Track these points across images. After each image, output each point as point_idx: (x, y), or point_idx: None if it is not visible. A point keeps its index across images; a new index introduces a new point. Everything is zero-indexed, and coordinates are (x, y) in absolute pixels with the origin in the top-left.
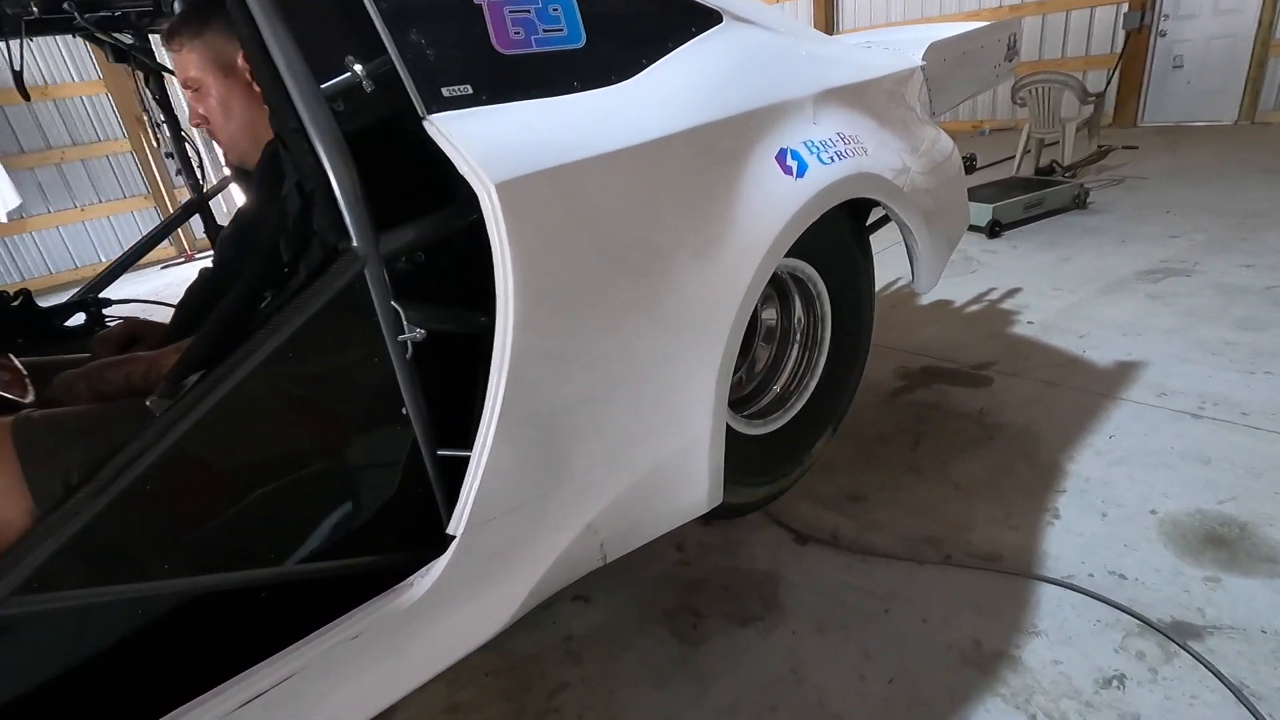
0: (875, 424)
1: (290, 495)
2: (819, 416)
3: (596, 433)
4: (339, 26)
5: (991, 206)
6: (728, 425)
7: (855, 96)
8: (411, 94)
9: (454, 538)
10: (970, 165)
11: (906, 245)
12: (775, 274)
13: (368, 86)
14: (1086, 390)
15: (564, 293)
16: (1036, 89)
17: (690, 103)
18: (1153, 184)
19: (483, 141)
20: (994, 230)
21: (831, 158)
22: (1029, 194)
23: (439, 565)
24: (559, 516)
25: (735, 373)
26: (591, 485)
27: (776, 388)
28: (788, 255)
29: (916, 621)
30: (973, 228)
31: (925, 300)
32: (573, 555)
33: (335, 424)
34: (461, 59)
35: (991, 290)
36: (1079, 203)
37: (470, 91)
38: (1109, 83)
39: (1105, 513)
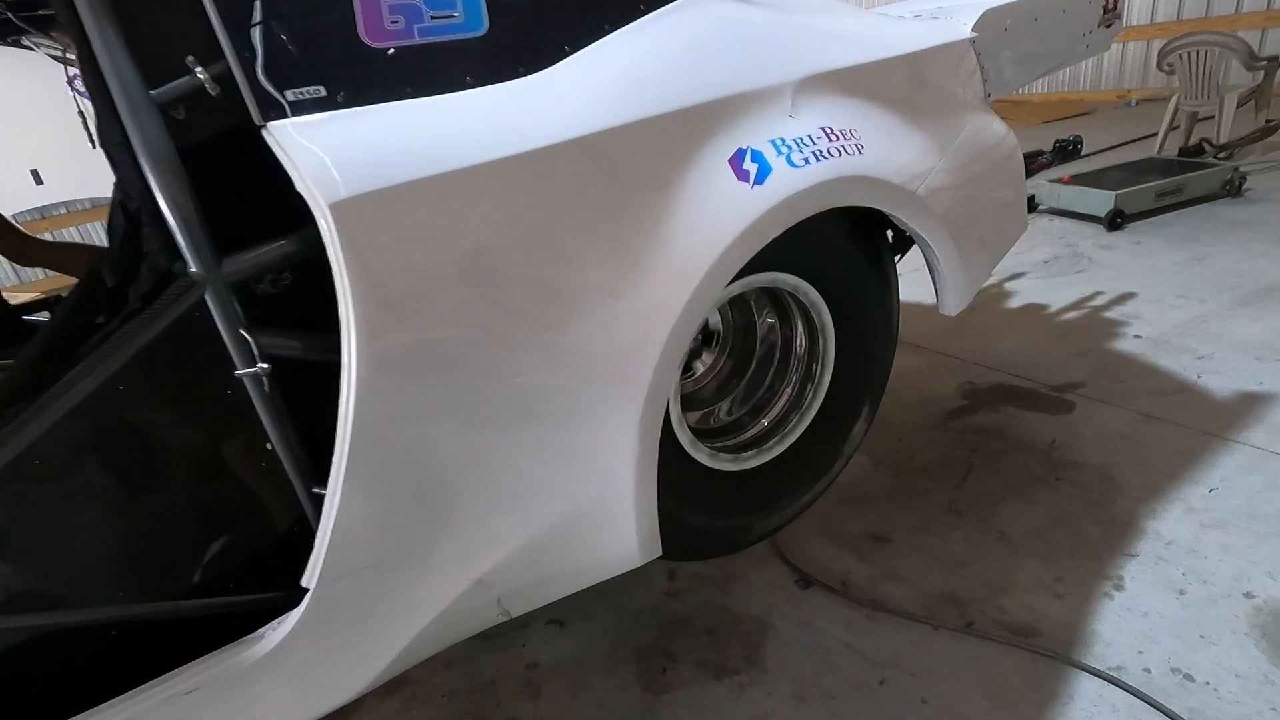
0: (921, 451)
1: (124, 533)
2: (823, 448)
3: (482, 482)
4: (175, 22)
5: (1114, 194)
6: (700, 463)
7: (859, 81)
8: (247, 98)
9: (308, 590)
10: (1070, 151)
11: (925, 258)
12: (773, 290)
13: (213, 90)
14: (1193, 428)
15: (424, 329)
16: (1189, 54)
17: (614, 98)
18: None
19: (325, 153)
20: (1115, 222)
21: (807, 159)
22: (1165, 179)
23: (292, 617)
24: (441, 571)
25: (727, 398)
26: (481, 538)
27: (765, 420)
28: (778, 269)
29: (915, 701)
30: (1090, 218)
31: (1012, 304)
32: (461, 611)
33: (179, 459)
34: (314, 55)
35: (1098, 295)
36: (1231, 190)
37: (323, 93)
38: None
39: (1184, 589)
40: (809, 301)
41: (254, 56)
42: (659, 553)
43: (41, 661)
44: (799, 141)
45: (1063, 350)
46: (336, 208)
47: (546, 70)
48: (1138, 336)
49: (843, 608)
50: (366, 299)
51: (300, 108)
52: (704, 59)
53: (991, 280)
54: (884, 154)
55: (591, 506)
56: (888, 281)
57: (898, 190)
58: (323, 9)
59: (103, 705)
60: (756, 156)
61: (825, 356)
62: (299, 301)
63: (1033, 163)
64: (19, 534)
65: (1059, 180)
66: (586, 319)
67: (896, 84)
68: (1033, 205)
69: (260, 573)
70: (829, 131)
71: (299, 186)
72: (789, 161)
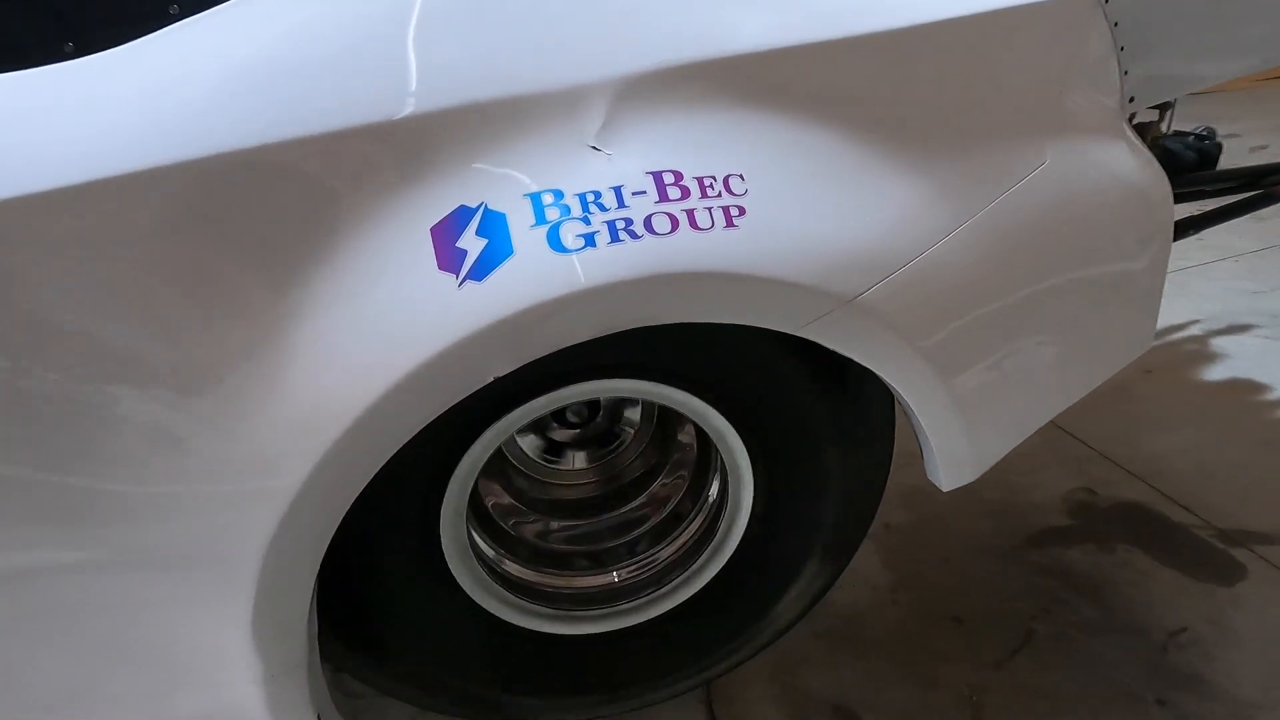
0: (969, 587)
1: None
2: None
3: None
4: None
5: None
6: (507, 621)
7: (777, 79)
8: None
9: None
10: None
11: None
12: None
13: None
14: None
15: None
16: None
17: (232, 100)
18: None
19: None
20: None
21: (593, 235)
22: None
23: None
24: None
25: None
26: None
27: (616, 575)
28: (646, 376)
29: None
30: None
31: (1208, 373)
32: None
33: None
34: None
35: None
36: None
37: None
38: None
39: None
40: (716, 436)
41: None
42: None
43: None
44: (589, 199)
45: (1262, 469)
46: None
47: (123, 47)
48: None
49: None
50: None
51: None
52: (439, 28)
53: (1184, 330)
54: (794, 223)
55: None
56: (859, 413)
57: (807, 296)
58: None
59: None
60: (490, 224)
61: (728, 526)
62: None
63: (1275, 185)
64: None
65: None
66: (126, 475)
67: (866, 84)
68: None
69: None
70: (666, 180)
71: None
72: (552, 239)
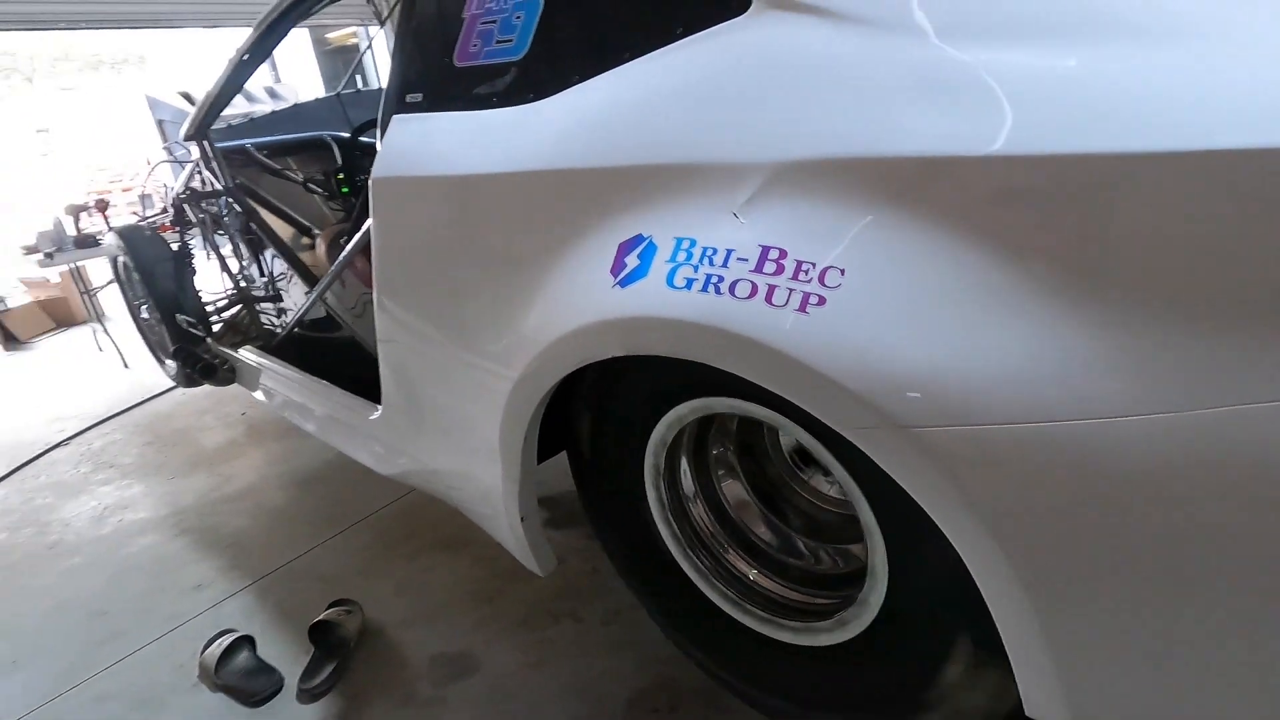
0: None
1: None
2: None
3: (433, 408)
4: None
5: None
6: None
7: (937, 185)
8: (394, 95)
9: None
10: None
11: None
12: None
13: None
14: None
15: (398, 284)
16: None
17: (561, 140)
18: None
19: (394, 144)
20: None
21: (691, 281)
22: None
23: (376, 411)
24: (423, 445)
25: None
26: (435, 443)
27: (752, 574)
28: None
29: None
30: None
31: None
32: (434, 482)
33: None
34: (425, 67)
35: None
36: None
37: (420, 99)
38: None
39: None
40: (854, 502)
41: (403, 63)
42: (540, 571)
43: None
44: (707, 253)
45: None
46: (375, 182)
47: (549, 100)
48: None
49: None
50: (379, 247)
51: (410, 107)
52: (689, 107)
53: None
54: (874, 328)
55: (480, 484)
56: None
57: (851, 402)
58: (444, 30)
59: (331, 388)
60: (648, 252)
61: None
62: None
63: None
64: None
65: None
66: (473, 334)
67: (1059, 213)
68: None
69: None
70: (770, 255)
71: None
72: (669, 277)
